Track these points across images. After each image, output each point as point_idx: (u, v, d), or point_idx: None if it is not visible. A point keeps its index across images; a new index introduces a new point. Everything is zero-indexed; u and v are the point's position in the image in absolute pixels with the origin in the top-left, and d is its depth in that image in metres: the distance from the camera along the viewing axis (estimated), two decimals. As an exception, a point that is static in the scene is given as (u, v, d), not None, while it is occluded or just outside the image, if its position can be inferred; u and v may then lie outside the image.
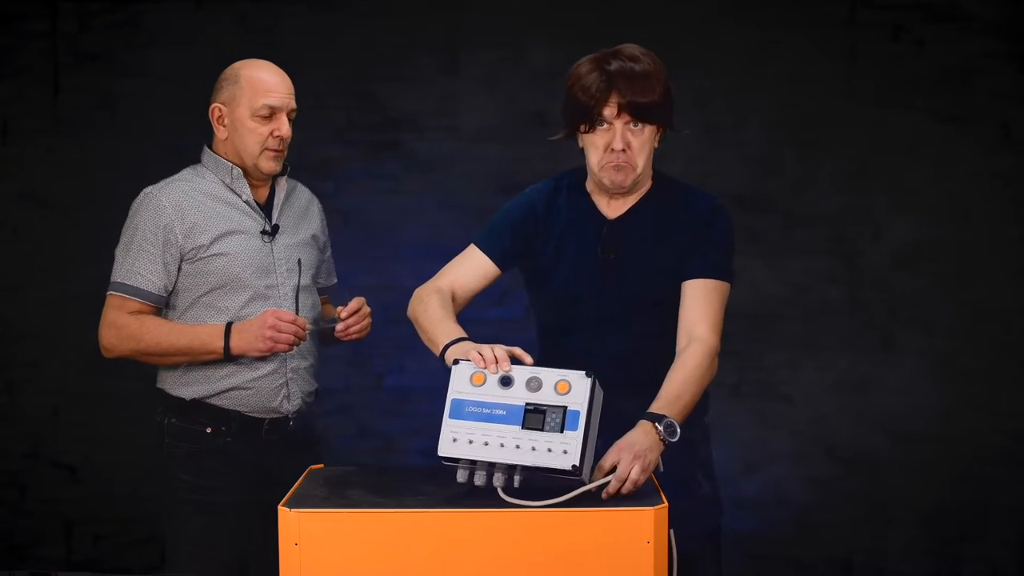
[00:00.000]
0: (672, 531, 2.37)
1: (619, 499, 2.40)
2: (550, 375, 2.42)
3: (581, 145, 2.77)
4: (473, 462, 2.40)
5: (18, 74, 4.54)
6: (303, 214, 3.18)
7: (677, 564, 2.41)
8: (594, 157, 2.72)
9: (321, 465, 2.77)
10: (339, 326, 3.08)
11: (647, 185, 2.81)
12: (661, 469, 2.63)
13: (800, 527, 4.53)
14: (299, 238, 3.13)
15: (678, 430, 2.52)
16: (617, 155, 2.68)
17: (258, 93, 2.99)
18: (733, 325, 2.89)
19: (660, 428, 2.50)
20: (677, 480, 2.69)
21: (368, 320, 3.13)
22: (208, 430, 3.02)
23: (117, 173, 4.19)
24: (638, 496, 2.42)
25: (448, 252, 4.56)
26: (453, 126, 4.57)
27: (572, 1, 4.52)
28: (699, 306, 2.70)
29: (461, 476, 2.43)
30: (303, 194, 3.22)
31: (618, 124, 2.67)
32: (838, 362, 4.51)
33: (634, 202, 2.80)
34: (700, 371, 2.63)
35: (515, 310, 4.58)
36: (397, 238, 4.56)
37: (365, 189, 4.56)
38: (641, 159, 2.70)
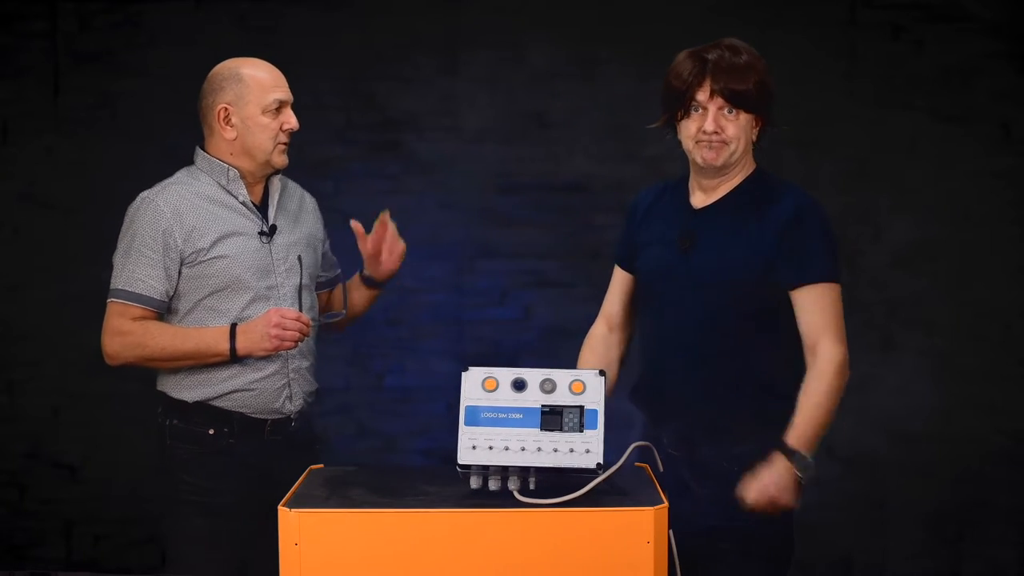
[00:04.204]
0: (672, 531, 2.38)
1: (619, 499, 2.41)
2: (563, 376, 2.43)
3: (680, 137, 2.83)
4: (486, 467, 2.40)
5: (18, 74, 4.54)
6: (298, 212, 3.18)
7: (679, 565, 2.42)
8: (688, 141, 2.78)
9: (321, 465, 2.77)
10: (383, 246, 3.13)
11: (741, 178, 2.83)
12: (661, 469, 2.64)
13: (800, 527, 4.52)
14: (296, 236, 3.13)
15: (812, 463, 2.68)
16: (709, 136, 2.74)
17: (266, 90, 3.01)
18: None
19: (795, 466, 2.68)
20: (676, 481, 2.71)
21: (400, 245, 3.20)
22: (210, 431, 3.01)
23: (117, 173, 4.19)
24: (638, 496, 2.43)
25: (448, 252, 4.62)
26: (453, 126, 4.57)
27: (572, 1, 4.52)
28: (813, 316, 2.75)
29: (475, 482, 2.42)
30: (295, 191, 3.22)
31: (712, 108, 2.73)
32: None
33: (723, 195, 2.83)
34: (829, 394, 2.73)
35: (515, 310, 4.59)
36: (397, 238, 4.56)
37: (365, 189, 4.56)
38: (735, 142, 2.76)
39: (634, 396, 2.91)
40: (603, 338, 2.98)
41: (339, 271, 3.36)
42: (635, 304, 2.97)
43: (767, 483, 2.66)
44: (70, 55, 4.54)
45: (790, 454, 2.66)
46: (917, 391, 4.45)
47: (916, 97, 4.44)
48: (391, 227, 3.19)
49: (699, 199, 2.86)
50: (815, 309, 2.75)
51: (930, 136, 4.44)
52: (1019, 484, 4.45)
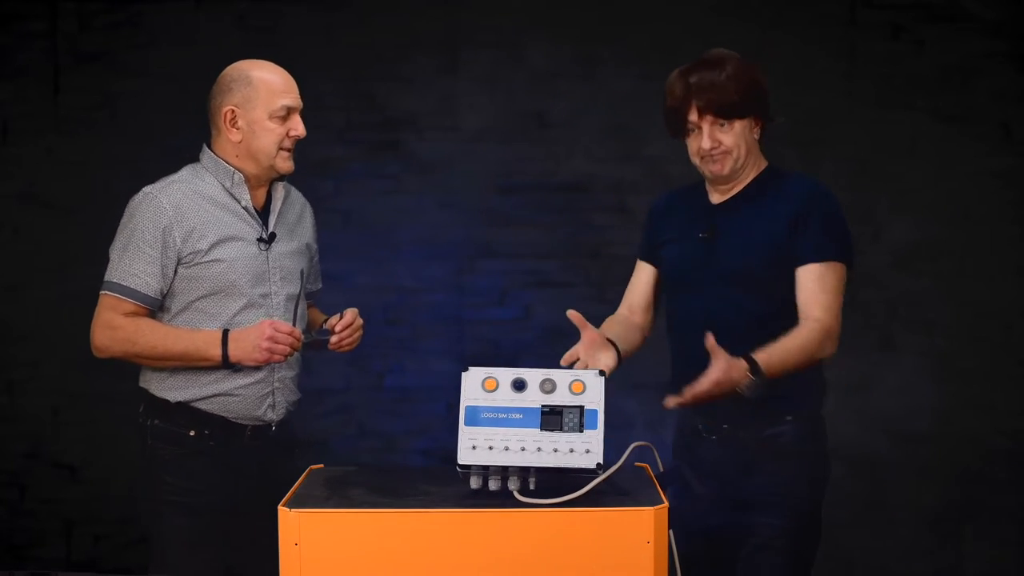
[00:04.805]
0: (672, 531, 2.38)
1: (619, 499, 2.41)
2: (563, 376, 2.44)
3: (689, 153, 2.95)
4: (486, 467, 2.40)
5: (18, 74, 4.54)
6: (297, 221, 3.18)
7: (679, 564, 2.42)
8: (694, 157, 2.91)
9: (322, 465, 2.77)
10: (333, 339, 3.08)
11: (754, 174, 2.93)
12: (660, 469, 2.65)
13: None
14: (293, 246, 3.13)
15: (759, 384, 2.66)
16: (709, 151, 2.85)
17: (275, 94, 2.99)
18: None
19: (748, 372, 2.66)
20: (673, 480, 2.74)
21: (360, 332, 3.13)
22: (191, 433, 3.01)
23: (117, 173, 4.19)
24: (638, 496, 2.43)
25: (448, 252, 4.62)
26: (453, 126, 4.57)
27: (572, 1, 4.52)
28: (810, 290, 2.83)
29: (475, 483, 2.42)
30: (297, 200, 3.21)
31: (704, 125, 2.85)
32: (838, 362, 4.49)
33: (738, 190, 2.93)
34: (805, 342, 2.78)
35: (515, 310, 4.59)
36: (397, 238, 4.56)
37: (365, 189, 4.56)
38: (736, 150, 2.86)
39: (670, 390, 2.96)
40: (624, 316, 3.07)
41: (321, 286, 3.34)
42: (656, 295, 3.08)
43: (725, 367, 2.63)
44: (70, 55, 4.53)
45: (751, 361, 2.68)
46: (917, 391, 4.45)
47: (916, 97, 4.44)
48: (357, 323, 3.11)
49: (717, 197, 2.96)
50: (814, 286, 2.83)
51: (930, 136, 4.44)
52: (1019, 484, 4.45)
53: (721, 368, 2.62)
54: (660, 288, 3.08)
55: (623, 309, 3.10)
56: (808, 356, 2.78)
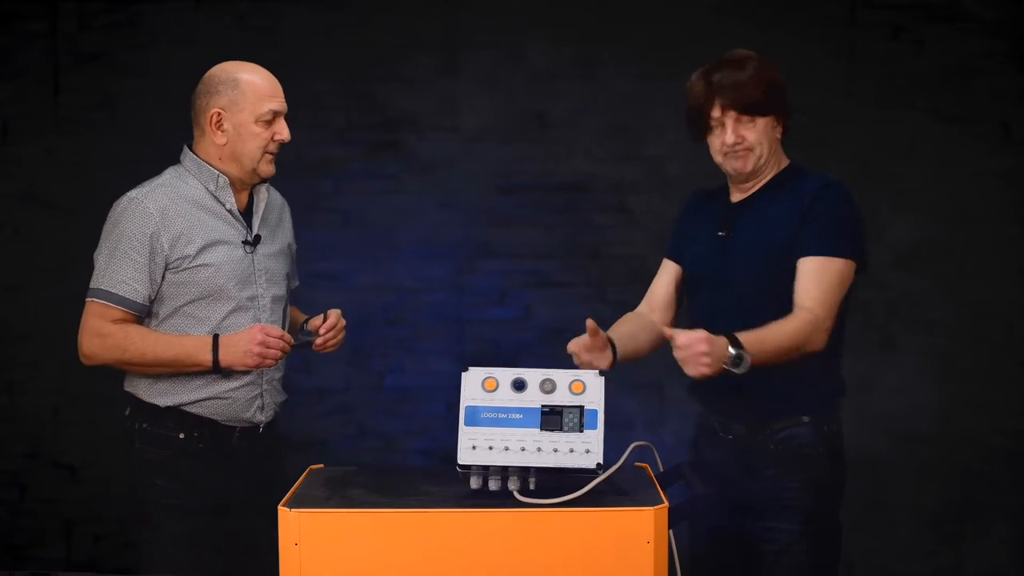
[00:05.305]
0: (672, 531, 2.38)
1: (619, 499, 2.41)
2: (563, 376, 2.44)
3: (711, 152, 2.96)
4: (486, 467, 2.40)
5: (18, 74, 4.54)
6: (278, 222, 3.18)
7: (679, 564, 2.42)
8: (716, 155, 2.91)
9: (321, 465, 2.77)
10: (318, 340, 3.08)
11: (774, 172, 2.94)
12: (661, 469, 2.65)
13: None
14: (276, 247, 3.13)
15: (746, 360, 2.60)
16: (732, 147, 2.86)
17: (262, 99, 2.98)
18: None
19: (732, 351, 2.60)
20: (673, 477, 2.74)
21: (343, 334, 3.13)
22: (181, 436, 3.01)
23: (117, 173, 4.17)
24: (638, 496, 2.43)
25: (448, 252, 4.62)
26: (453, 126, 4.57)
27: (572, 1, 4.52)
28: (806, 283, 2.81)
29: (475, 483, 2.42)
30: (276, 200, 3.20)
31: (728, 121, 2.85)
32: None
33: (756, 188, 2.95)
34: (794, 330, 2.73)
35: (515, 310, 4.59)
36: (397, 238, 4.56)
37: (365, 189, 4.56)
38: (759, 147, 2.88)
39: (690, 390, 2.99)
40: (639, 314, 3.05)
41: (298, 283, 3.33)
42: (679, 294, 3.06)
43: (703, 336, 2.58)
44: (70, 55, 4.54)
45: (734, 340, 2.63)
46: (917, 391, 4.45)
47: (916, 97, 4.44)
48: (340, 324, 3.11)
49: (737, 196, 2.97)
50: (809, 278, 2.81)
51: (930, 136, 4.44)
52: (1019, 484, 4.45)
53: (679, 344, 2.58)
54: (683, 287, 3.06)
55: (642, 306, 3.09)
56: (796, 345, 2.72)
